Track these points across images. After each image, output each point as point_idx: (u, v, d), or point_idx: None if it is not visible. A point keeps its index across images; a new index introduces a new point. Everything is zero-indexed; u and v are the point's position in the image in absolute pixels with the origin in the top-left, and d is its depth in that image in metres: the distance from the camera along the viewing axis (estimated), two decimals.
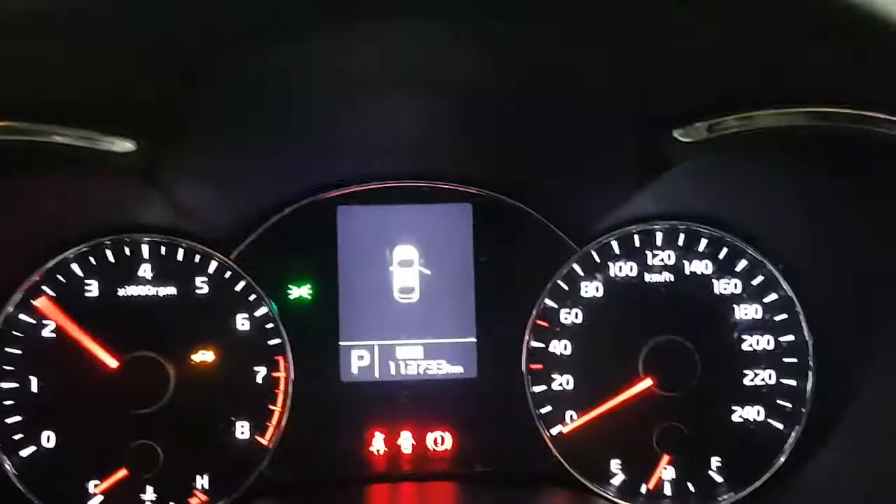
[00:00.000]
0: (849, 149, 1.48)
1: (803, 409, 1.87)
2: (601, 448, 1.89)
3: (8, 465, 1.79)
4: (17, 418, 1.81)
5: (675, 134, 1.43)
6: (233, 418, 1.85)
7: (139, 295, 1.86)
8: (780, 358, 1.89)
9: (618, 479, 1.88)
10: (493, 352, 1.92)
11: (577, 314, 1.91)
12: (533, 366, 1.90)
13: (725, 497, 1.86)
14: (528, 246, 1.93)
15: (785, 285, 1.89)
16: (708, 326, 1.89)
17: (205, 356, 1.85)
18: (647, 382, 1.85)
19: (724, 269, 1.91)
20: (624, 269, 1.92)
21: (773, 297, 1.90)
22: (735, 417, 1.88)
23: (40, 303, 1.82)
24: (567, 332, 1.91)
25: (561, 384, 1.90)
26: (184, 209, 1.79)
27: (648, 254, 1.91)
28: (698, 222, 1.91)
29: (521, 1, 1.19)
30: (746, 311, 1.90)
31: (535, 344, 1.90)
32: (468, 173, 1.92)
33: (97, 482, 1.80)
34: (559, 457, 1.89)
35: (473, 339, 1.93)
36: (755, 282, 1.91)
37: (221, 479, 1.84)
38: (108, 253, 1.86)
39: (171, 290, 1.86)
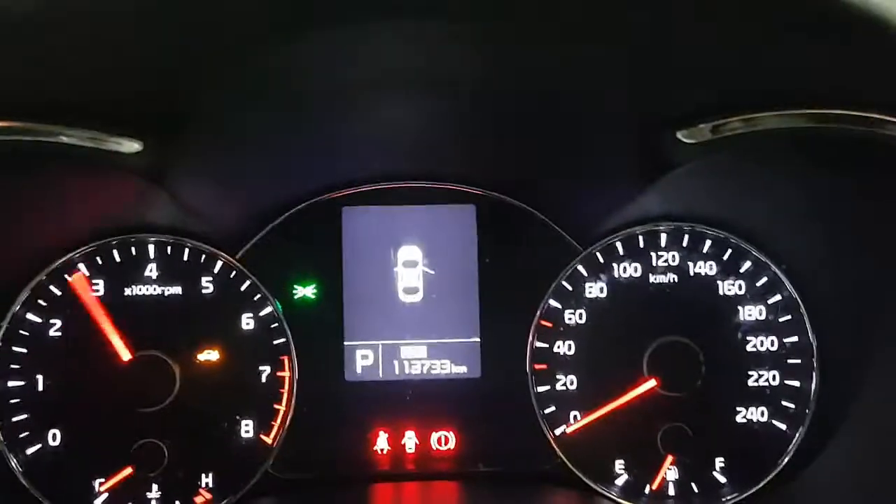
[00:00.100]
0: (852, 150, 1.47)
1: (807, 410, 1.87)
2: (605, 448, 1.89)
3: (14, 463, 1.80)
4: (24, 416, 1.82)
5: (679, 135, 1.43)
6: (238, 417, 1.86)
7: (145, 294, 1.87)
8: (784, 359, 1.89)
9: (621, 480, 1.89)
10: (497, 352, 1.92)
11: (581, 315, 1.92)
12: (537, 366, 1.91)
13: (729, 498, 1.86)
14: (532, 247, 1.93)
15: (789, 286, 1.89)
16: (712, 327, 1.89)
17: (210, 355, 1.86)
18: (651, 383, 1.85)
19: (728, 271, 1.91)
20: (628, 269, 1.92)
21: (777, 298, 1.90)
22: (739, 418, 1.88)
23: (75, 278, 1.83)
24: (571, 332, 1.91)
25: (565, 384, 1.90)
26: (189, 209, 1.80)
27: (653, 255, 1.92)
28: (703, 223, 1.91)
29: (524, 2, 1.19)
30: (750, 312, 1.90)
31: (539, 344, 1.91)
32: (472, 174, 1.93)
33: (102, 480, 1.81)
34: (563, 457, 1.89)
35: (477, 339, 1.93)
36: (759, 283, 1.91)
37: (226, 477, 1.85)
38: (115, 253, 1.87)
39: (177, 290, 1.87)
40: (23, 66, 1.20)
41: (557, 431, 1.90)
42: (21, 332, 1.83)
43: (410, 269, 1.95)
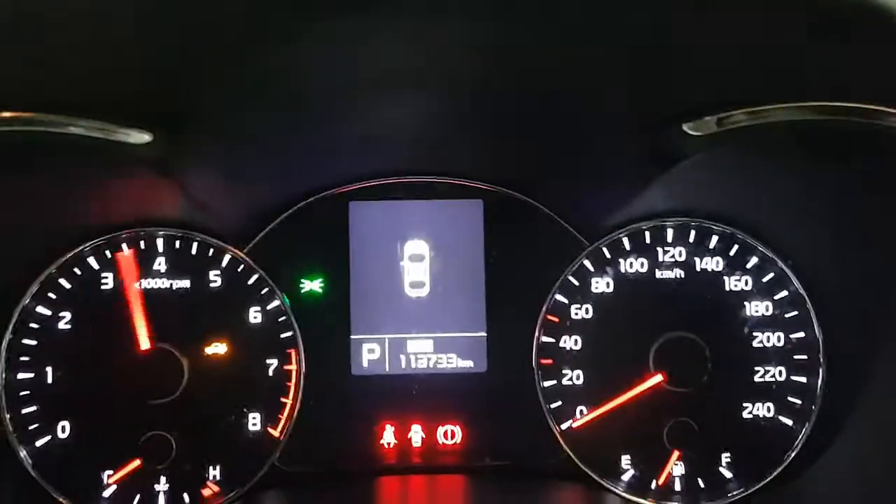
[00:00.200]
0: (858, 143, 1.48)
1: (813, 406, 1.87)
2: (611, 443, 1.89)
3: (24, 455, 1.81)
4: (33, 409, 1.83)
5: (685, 128, 1.43)
6: (245, 410, 1.87)
7: (154, 288, 1.88)
8: (790, 354, 1.89)
9: (628, 475, 1.89)
10: (503, 346, 1.93)
11: (587, 310, 1.92)
12: (543, 361, 1.91)
13: (735, 493, 1.86)
14: (539, 241, 1.94)
15: (795, 282, 1.89)
16: (718, 323, 1.90)
17: (218, 349, 1.87)
18: (657, 378, 1.85)
19: (734, 266, 1.91)
20: (634, 265, 1.92)
21: (783, 293, 1.90)
22: (745, 414, 1.88)
23: (122, 257, 1.85)
24: (577, 327, 1.92)
25: (571, 379, 1.91)
26: (198, 202, 1.81)
27: (659, 250, 1.92)
28: (709, 219, 1.91)
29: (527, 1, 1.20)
30: (757, 308, 1.90)
31: (545, 339, 1.91)
32: (479, 169, 1.93)
33: (111, 472, 1.82)
34: (569, 452, 1.89)
35: (484, 334, 1.94)
36: (766, 278, 1.91)
37: (234, 470, 1.86)
38: (124, 246, 1.88)
39: (185, 284, 1.89)
40: (31, 61, 1.21)
41: (564, 426, 1.90)
42: (31, 324, 1.84)
43: (417, 264, 1.96)
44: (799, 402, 1.88)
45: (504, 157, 1.87)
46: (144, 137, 1.44)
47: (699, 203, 1.88)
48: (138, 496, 1.83)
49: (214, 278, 1.89)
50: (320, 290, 1.93)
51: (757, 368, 1.89)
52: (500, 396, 1.92)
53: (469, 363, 1.94)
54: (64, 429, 1.83)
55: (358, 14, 1.25)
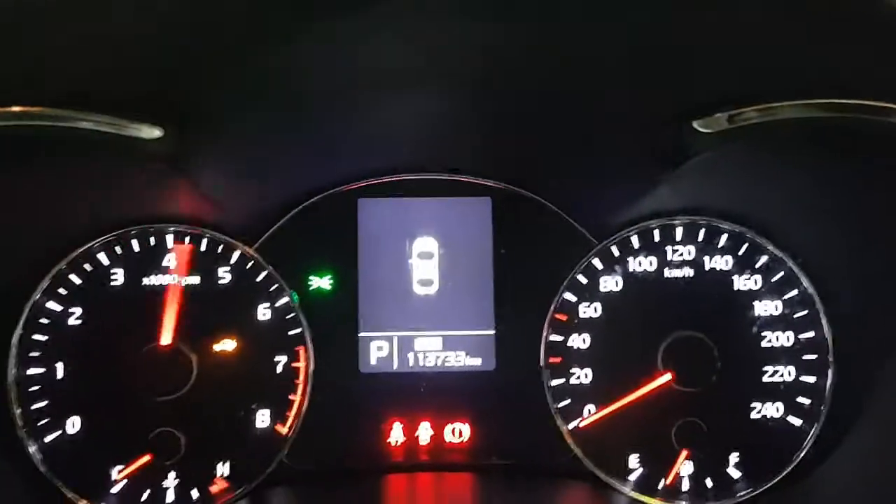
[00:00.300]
0: (870, 141, 1.47)
1: (822, 406, 1.86)
2: (619, 442, 1.89)
3: (33, 450, 1.82)
4: (43, 404, 1.84)
5: (696, 125, 1.43)
6: (253, 407, 1.88)
7: (163, 284, 1.88)
8: (799, 354, 1.88)
9: (635, 474, 1.88)
10: (511, 345, 1.93)
11: (596, 308, 1.92)
12: (551, 359, 1.91)
13: (743, 493, 1.85)
14: (548, 240, 1.94)
15: (805, 281, 1.89)
16: (728, 322, 1.89)
17: (226, 345, 1.88)
18: (666, 377, 1.85)
19: (744, 265, 1.91)
20: (643, 263, 1.92)
21: (793, 293, 1.90)
22: (754, 414, 1.88)
23: (178, 248, 1.87)
24: (586, 326, 1.91)
25: (579, 378, 1.90)
26: (208, 199, 1.82)
27: (668, 249, 1.92)
28: (719, 217, 1.91)
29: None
30: (766, 307, 1.89)
31: (553, 337, 1.91)
32: (488, 167, 1.93)
33: (120, 468, 1.83)
34: (577, 451, 1.89)
35: (492, 332, 1.94)
36: (775, 278, 1.90)
37: (242, 466, 1.86)
38: (134, 242, 1.89)
39: (195, 280, 1.89)
40: (42, 56, 1.22)
41: (571, 425, 1.90)
42: (41, 320, 1.85)
43: (426, 262, 1.96)
44: (808, 402, 1.87)
45: (513, 155, 1.87)
46: (155, 133, 1.45)
47: (709, 201, 1.88)
48: (147, 492, 1.83)
49: (223, 275, 1.90)
50: (329, 288, 1.93)
51: (766, 368, 1.88)
52: (508, 395, 1.92)
53: (477, 361, 1.94)
54: (73, 424, 1.84)
55: (361, 13, 1.25)
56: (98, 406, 1.84)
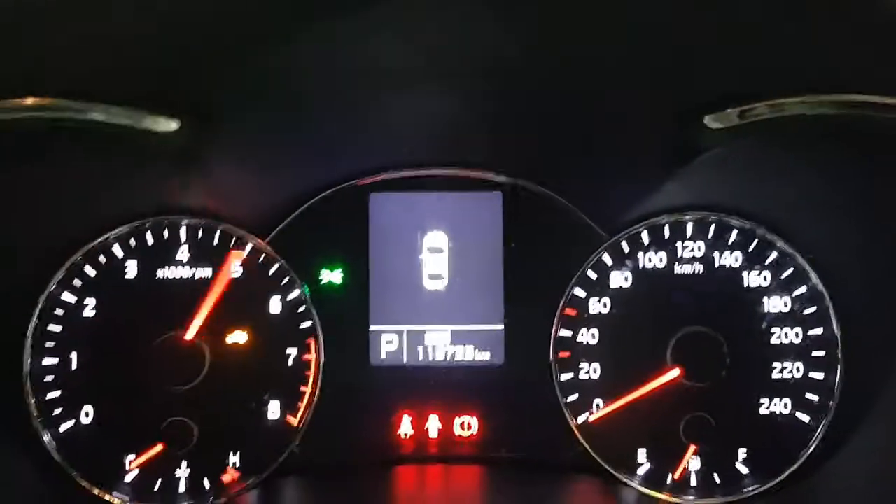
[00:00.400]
0: (881, 139, 1.47)
1: (831, 403, 1.86)
2: (628, 437, 1.90)
3: (48, 439, 1.84)
4: (58, 394, 1.86)
5: (706, 120, 1.44)
6: (265, 398, 1.89)
7: (176, 276, 1.90)
8: (808, 351, 1.88)
9: (644, 469, 1.89)
10: (520, 339, 1.94)
11: (605, 303, 1.92)
12: (560, 354, 1.92)
13: (751, 489, 1.86)
14: (558, 235, 1.94)
15: (814, 278, 1.89)
16: (737, 318, 1.89)
17: (238, 337, 1.89)
18: (674, 372, 1.85)
19: (753, 261, 1.91)
20: (653, 259, 1.92)
21: (802, 289, 1.90)
22: (762, 410, 1.88)
23: (235, 254, 1.88)
24: (595, 321, 1.92)
25: (588, 373, 1.91)
26: (221, 192, 1.84)
27: (678, 244, 1.92)
28: (729, 213, 1.91)
29: None
30: (775, 304, 1.90)
31: (563, 332, 1.92)
32: (499, 162, 1.94)
33: (133, 457, 1.85)
34: (585, 445, 1.90)
35: (501, 327, 1.95)
36: (785, 274, 1.90)
37: (253, 457, 1.88)
38: (148, 235, 1.91)
39: (207, 273, 1.91)
40: (65, 43, 1.23)
41: (580, 419, 1.91)
42: (56, 311, 1.87)
43: (436, 256, 1.97)
44: (816, 398, 1.87)
45: (523, 150, 1.87)
46: (171, 126, 1.46)
47: (719, 197, 1.88)
48: (159, 481, 1.86)
49: (236, 268, 1.91)
50: (340, 281, 1.95)
51: (775, 364, 1.88)
52: (517, 389, 1.93)
53: (486, 355, 1.95)
54: (87, 414, 1.86)
55: (373, 7, 1.26)
56: (112, 396, 1.86)
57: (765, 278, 1.90)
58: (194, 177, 1.77)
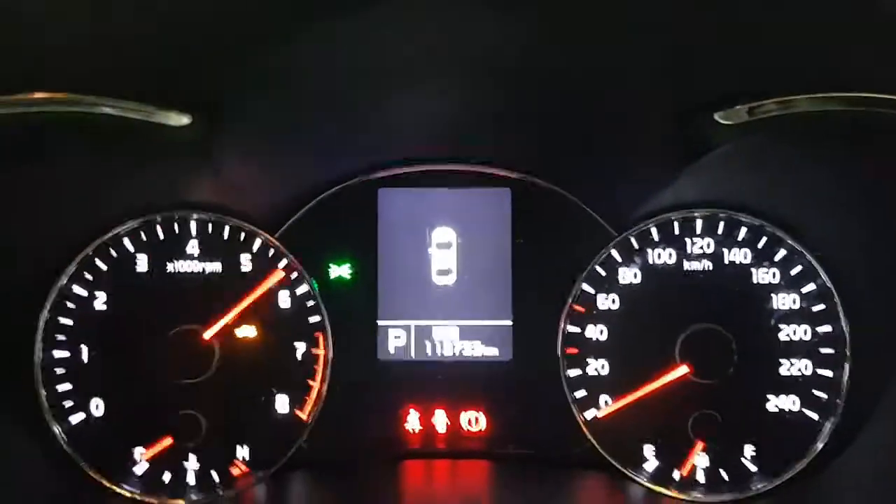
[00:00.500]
0: (889, 136, 1.47)
1: (839, 400, 1.86)
2: (635, 433, 1.90)
3: (58, 431, 1.86)
4: (68, 386, 1.88)
5: (716, 116, 1.44)
6: (273, 392, 1.90)
7: (186, 270, 1.91)
8: (816, 348, 1.88)
9: (651, 465, 1.89)
10: (528, 335, 1.94)
11: (614, 300, 1.92)
12: (568, 350, 1.92)
13: (758, 486, 1.85)
14: (567, 231, 1.94)
15: (823, 275, 1.88)
16: (745, 315, 1.89)
17: (248, 331, 1.90)
18: (683, 369, 1.85)
19: (762, 258, 1.91)
20: (662, 256, 1.92)
21: (811, 286, 1.90)
22: (770, 407, 1.88)
23: (276, 272, 1.90)
24: (604, 317, 1.92)
25: (596, 369, 1.91)
26: (231, 187, 1.85)
27: (687, 241, 1.92)
28: (738, 210, 1.90)
29: None
30: (784, 301, 1.89)
31: (571, 328, 1.92)
32: (508, 158, 1.94)
33: (143, 449, 1.86)
34: (593, 441, 1.90)
35: (509, 322, 1.95)
36: (793, 271, 1.90)
37: (261, 450, 1.89)
38: (159, 229, 1.92)
39: (217, 267, 1.92)
40: (79, 36, 1.24)
41: (588, 416, 1.91)
42: (67, 304, 1.89)
43: (444, 251, 1.98)
44: (824, 395, 1.87)
45: (533, 146, 1.88)
46: (183, 120, 1.47)
47: (728, 194, 1.88)
48: (168, 474, 1.87)
49: (245, 262, 1.92)
50: (348, 276, 1.95)
51: (783, 361, 1.88)
52: (525, 385, 1.94)
53: (494, 351, 1.96)
54: (98, 406, 1.88)
55: (381, 5, 1.26)
56: (122, 389, 1.88)
57: (773, 275, 1.90)
58: (205, 172, 1.78)
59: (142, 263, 1.91)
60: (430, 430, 1.94)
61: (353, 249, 1.96)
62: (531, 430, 1.93)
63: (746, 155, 1.68)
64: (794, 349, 1.88)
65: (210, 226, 1.93)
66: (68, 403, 1.87)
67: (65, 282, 1.89)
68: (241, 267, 1.92)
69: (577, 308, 1.92)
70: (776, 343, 1.88)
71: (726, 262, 1.91)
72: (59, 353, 1.88)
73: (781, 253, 1.90)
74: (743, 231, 1.91)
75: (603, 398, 1.91)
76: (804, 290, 1.90)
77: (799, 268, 1.90)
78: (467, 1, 1.32)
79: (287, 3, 1.27)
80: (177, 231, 1.92)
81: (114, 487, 1.85)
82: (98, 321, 1.89)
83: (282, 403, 1.90)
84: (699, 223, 1.92)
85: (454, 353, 1.96)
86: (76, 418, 1.87)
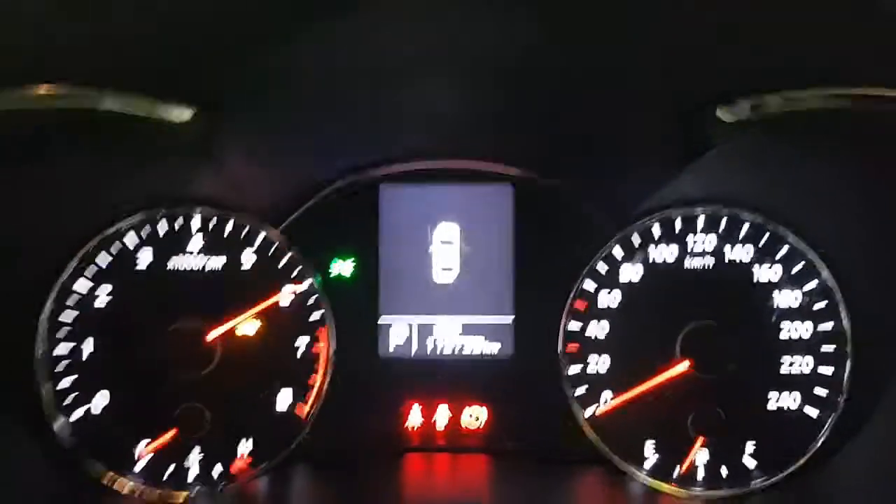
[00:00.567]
0: (892, 133, 1.47)
1: (839, 398, 1.86)
2: (635, 430, 1.90)
3: (61, 425, 1.87)
4: (71, 381, 1.88)
5: (718, 113, 1.44)
6: (275, 387, 1.91)
7: (189, 265, 1.92)
8: (817, 345, 1.88)
9: (651, 461, 1.90)
10: (530, 331, 1.95)
11: (615, 296, 1.93)
12: (569, 347, 1.92)
13: (758, 482, 1.86)
14: (568, 227, 1.95)
15: (825, 273, 1.89)
16: (747, 312, 1.90)
17: (250, 327, 1.91)
18: (684, 365, 1.86)
19: (764, 256, 1.91)
20: (664, 253, 1.93)
21: (812, 284, 1.90)
22: (771, 404, 1.88)
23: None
24: (605, 314, 1.93)
25: (597, 366, 1.92)
26: (234, 182, 1.85)
27: (689, 238, 1.92)
28: (740, 207, 1.91)
29: None
30: (785, 298, 1.90)
31: (572, 325, 1.93)
32: (510, 154, 1.95)
33: (147, 442, 1.87)
34: (593, 437, 1.91)
35: (511, 319, 1.96)
36: (795, 269, 1.90)
37: (264, 444, 1.90)
38: (161, 224, 1.93)
39: (220, 262, 1.92)
40: (82, 32, 1.25)
41: (588, 412, 1.92)
42: (70, 299, 1.89)
43: (446, 248, 1.98)
44: (825, 393, 1.87)
45: (534, 143, 1.88)
46: (185, 115, 1.47)
47: (731, 191, 1.88)
48: (171, 467, 1.88)
49: (248, 257, 1.93)
50: (350, 272, 1.96)
51: (784, 359, 1.88)
52: (526, 381, 1.94)
53: (496, 348, 1.96)
54: (100, 400, 1.88)
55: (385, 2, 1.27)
56: (124, 383, 1.88)
57: (775, 273, 1.91)
58: (207, 169, 1.78)
59: (144, 259, 1.92)
60: (431, 426, 1.95)
61: (355, 246, 1.96)
62: (532, 427, 1.94)
63: (748, 153, 1.69)
64: (796, 346, 1.89)
65: (212, 222, 1.93)
66: (71, 397, 1.88)
67: (68, 277, 1.89)
68: (243, 263, 1.93)
69: (579, 305, 1.93)
70: (777, 340, 1.89)
71: (728, 259, 1.91)
72: (62, 348, 1.88)
73: (783, 250, 1.91)
74: (744, 228, 1.92)
75: (604, 395, 1.92)
76: (805, 287, 1.90)
77: (800, 265, 1.90)
78: (468, 0, 1.33)
79: (287, 3, 1.27)
80: (179, 227, 1.93)
81: (116, 480, 1.85)
82: (101, 316, 1.90)
83: (284, 398, 1.91)
84: (701, 220, 1.92)
85: (455, 350, 1.97)
86: (79, 412, 1.88)
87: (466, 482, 1.88)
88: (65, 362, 1.88)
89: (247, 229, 1.93)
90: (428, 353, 1.96)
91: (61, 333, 1.89)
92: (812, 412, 1.87)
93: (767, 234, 1.91)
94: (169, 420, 1.85)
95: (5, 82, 1.30)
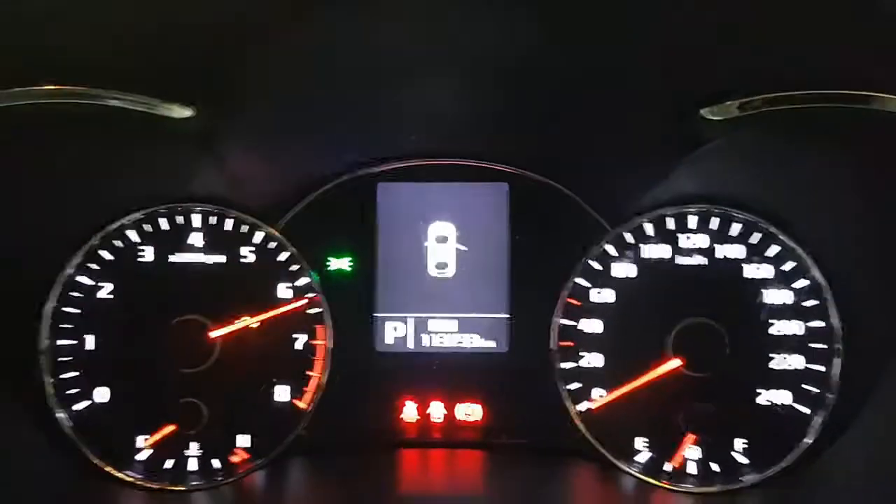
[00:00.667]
0: (882, 133, 1.49)
1: (829, 395, 1.88)
2: (627, 425, 1.93)
3: (62, 418, 1.90)
4: (73, 374, 1.91)
5: (705, 112, 1.46)
6: (273, 382, 1.94)
7: (189, 261, 1.95)
8: (808, 343, 1.90)
9: (643, 457, 1.92)
10: (524, 328, 1.97)
11: (608, 294, 1.95)
12: (563, 343, 1.95)
13: (748, 478, 1.88)
14: (563, 225, 1.97)
15: (815, 271, 1.91)
16: (738, 310, 1.92)
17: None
18: (675, 362, 1.88)
19: (755, 254, 1.93)
20: (656, 250, 1.95)
21: (803, 282, 1.92)
22: (761, 400, 1.90)
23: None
24: (598, 311, 1.95)
25: (590, 362, 1.94)
26: (234, 179, 1.88)
27: (681, 236, 1.94)
28: (732, 205, 1.93)
29: None
30: (776, 296, 1.92)
31: (565, 322, 1.95)
32: (505, 153, 1.97)
33: (147, 436, 1.90)
34: (585, 433, 1.93)
35: (506, 315, 1.98)
36: (786, 267, 1.92)
37: (261, 438, 1.93)
38: (163, 221, 1.96)
39: (220, 258, 1.95)
40: (83, 29, 1.27)
41: (581, 408, 1.94)
42: (72, 294, 1.93)
43: (442, 245, 2.01)
44: (815, 390, 1.89)
45: (530, 142, 1.90)
46: (186, 113, 1.50)
47: (722, 189, 1.90)
48: (170, 461, 1.90)
49: (247, 254, 1.96)
50: (348, 269, 1.99)
51: (774, 356, 1.90)
52: (520, 377, 1.97)
53: (491, 343, 1.99)
54: (102, 394, 1.91)
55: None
56: (126, 377, 1.91)
57: (766, 271, 1.92)
58: (207, 165, 1.81)
59: (146, 254, 1.95)
60: (427, 420, 1.97)
61: (353, 242, 1.99)
62: (526, 421, 1.96)
63: (740, 151, 1.71)
64: (786, 344, 1.91)
65: (212, 218, 1.96)
66: (73, 391, 1.91)
67: (71, 272, 1.93)
68: (243, 259, 1.96)
69: (572, 301, 1.95)
70: (768, 337, 1.91)
71: (719, 257, 1.93)
72: (64, 342, 1.91)
73: (774, 249, 1.93)
74: (736, 227, 1.94)
75: (596, 391, 1.94)
76: (796, 285, 1.92)
77: (791, 263, 1.92)
78: (468, 0, 1.35)
79: (287, 3, 1.30)
80: (180, 223, 1.96)
81: (117, 473, 1.88)
82: (103, 311, 1.93)
83: (282, 393, 1.94)
84: (693, 219, 1.95)
85: (451, 345, 1.99)
86: (80, 405, 1.91)
87: (461, 476, 1.91)
88: (68, 355, 1.91)
89: (246, 225, 1.96)
90: (424, 348, 1.99)
91: (65, 327, 1.91)
92: (802, 409, 1.89)
93: (759, 233, 1.93)
94: (167, 415, 1.88)
95: (7, 81, 1.33)
